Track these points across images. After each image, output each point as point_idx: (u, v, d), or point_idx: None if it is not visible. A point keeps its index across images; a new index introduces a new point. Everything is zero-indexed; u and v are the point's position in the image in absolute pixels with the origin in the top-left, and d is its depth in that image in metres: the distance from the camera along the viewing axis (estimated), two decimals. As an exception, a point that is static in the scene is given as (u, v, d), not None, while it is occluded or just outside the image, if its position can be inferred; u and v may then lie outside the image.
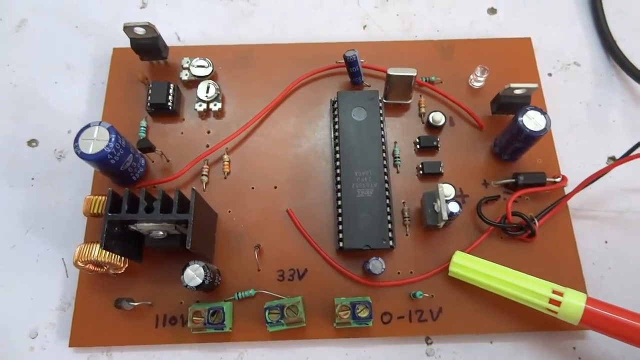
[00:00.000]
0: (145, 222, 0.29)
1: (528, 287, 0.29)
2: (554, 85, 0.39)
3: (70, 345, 0.31)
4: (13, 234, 0.34)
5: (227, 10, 0.41)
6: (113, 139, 0.30)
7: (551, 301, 0.29)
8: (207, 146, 0.35)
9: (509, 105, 0.34)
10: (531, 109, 0.31)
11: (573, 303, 0.28)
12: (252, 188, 0.35)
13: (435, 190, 0.31)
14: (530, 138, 0.31)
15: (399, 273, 0.32)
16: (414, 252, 0.33)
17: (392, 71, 0.34)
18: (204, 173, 0.35)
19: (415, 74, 0.33)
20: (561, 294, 0.29)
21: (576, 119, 0.38)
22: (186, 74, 0.37)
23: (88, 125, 0.31)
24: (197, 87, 0.36)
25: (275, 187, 0.35)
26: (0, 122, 0.38)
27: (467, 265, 0.31)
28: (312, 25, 0.41)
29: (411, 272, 0.32)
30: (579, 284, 0.32)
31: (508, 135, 0.32)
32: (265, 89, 0.37)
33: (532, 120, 0.31)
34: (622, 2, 0.41)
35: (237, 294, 0.32)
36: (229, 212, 0.34)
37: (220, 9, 0.41)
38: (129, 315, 0.31)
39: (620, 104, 0.38)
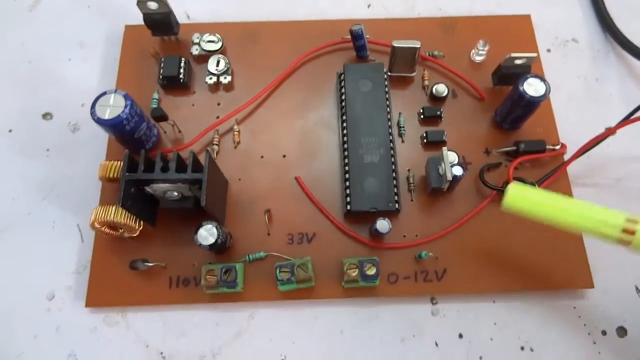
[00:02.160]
0: (161, 183, 0.30)
1: (597, 217, 0.27)
2: (553, 61, 0.40)
3: (86, 306, 0.32)
4: (29, 202, 0.35)
5: (236, -10, 0.43)
6: (128, 106, 0.31)
7: (625, 230, 0.26)
8: (218, 117, 0.37)
9: (510, 76, 0.35)
10: (531, 76, 0.32)
11: None
12: (262, 157, 0.36)
13: (440, 154, 0.32)
14: (530, 104, 0.32)
15: (404, 236, 0.33)
16: (419, 217, 0.34)
17: (396, 43, 0.35)
18: (215, 142, 0.36)
19: (419, 46, 0.35)
20: (636, 222, 0.26)
21: (574, 92, 0.39)
22: (196, 49, 0.38)
23: (104, 93, 0.32)
24: (207, 62, 0.37)
25: (284, 156, 0.36)
26: (16, 96, 0.39)
27: (526, 196, 0.28)
28: (318, 4, 0.42)
29: (416, 236, 0.33)
30: (578, 249, 0.33)
31: (509, 103, 0.34)
32: (274, 64, 0.38)
33: (532, 87, 0.32)
34: (619, -19, 0.43)
35: (248, 256, 0.33)
36: (239, 179, 0.35)
37: (229, -12, 0.43)
38: (143, 277, 0.32)
39: (617, 78, 0.39)
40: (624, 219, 0.27)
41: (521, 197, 0.28)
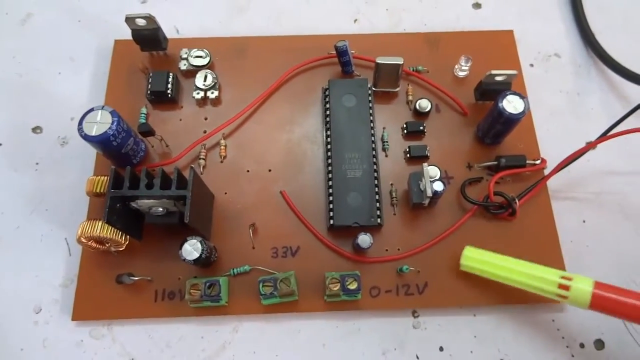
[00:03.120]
0: (146, 199, 0.30)
1: (538, 275, 0.30)
2: (536, 76, 0.40)
3: (72, 319, 0.33)
4: (18, 216, 0.36)
5: (224, 5, 0.43)
6: (115, 122, 0.32)
7: (560, 286, 0.29)
8: (205, 132, 0.37)
9: (491, 92, 0.36)
10: (510, 94, 0.33)
11: (581, 287, 0.29)
12: (248, 171, 0.36)
13: (420, 169, 0.33)
14: (509, 121, 0.33)
15: (387, 250, 0.34)
16: (401, 231, 0.34)
17: (380, 60, 0.35)
18: (202, 157, 0.36)
19: (402, 62, 0.35)
20: (570, 279, 0.29)
21: (556, 107, 0.40)
22: (184, 64, 0.39)
23: (92, 109, 0.32)
24: (195, 77, 0.38)
25: (270, 170, 0.36)
26: (6, 110, 0.39)
27: (478, 257, 0.32)
28: (305, 19, 0.43)
29: (399, 250, 0.34)
30: (558, 261, 0.34)
31: (490, 119, 0.34)
32: (260, 78, 0.39)
33: (511, 104, 0.33)
34: (601, -3, 0.44)
35: (233, 270, 0.33)
36: (225, 193, 0.36)
37: (218, 3, 0.43)
38: (129, 291, 0.33)
39: (598, 92, 0.40)
40: (558, 276, 0.30)
41: (474, 258, 0.32)
